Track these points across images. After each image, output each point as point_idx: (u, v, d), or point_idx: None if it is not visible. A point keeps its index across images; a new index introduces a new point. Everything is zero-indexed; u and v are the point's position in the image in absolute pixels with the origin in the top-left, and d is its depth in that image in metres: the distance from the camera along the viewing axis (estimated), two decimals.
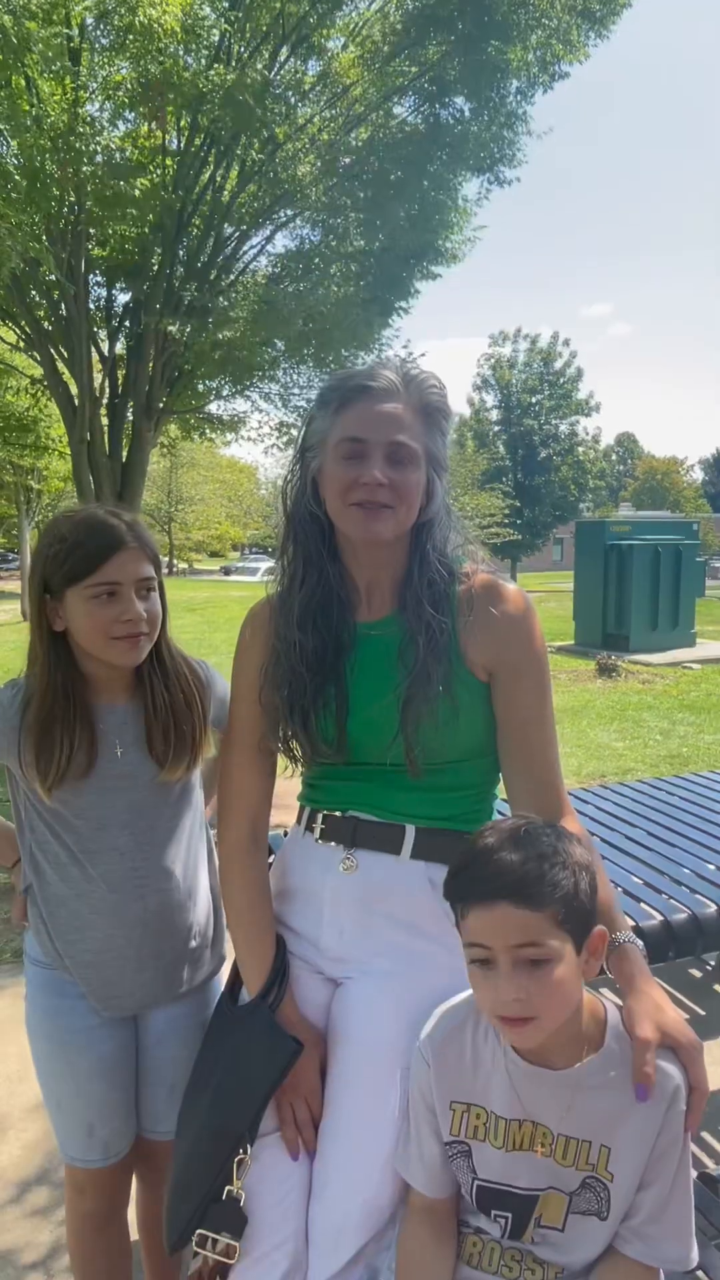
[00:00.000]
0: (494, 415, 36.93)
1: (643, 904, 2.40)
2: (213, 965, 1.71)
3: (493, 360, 36.96)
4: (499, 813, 1.49)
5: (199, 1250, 1.33)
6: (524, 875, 1.08)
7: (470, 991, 1.30)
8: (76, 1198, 1.68)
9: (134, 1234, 1.81)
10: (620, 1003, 1.24)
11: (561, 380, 36.15)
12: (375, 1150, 1.33)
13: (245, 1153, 1.34)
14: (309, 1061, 1.41)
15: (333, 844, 1.49)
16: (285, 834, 1.72)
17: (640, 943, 1.31)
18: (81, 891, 1.55)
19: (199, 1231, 1.33)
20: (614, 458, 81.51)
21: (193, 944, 1.64)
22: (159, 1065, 1.65)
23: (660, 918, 2.30)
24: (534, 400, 36.02)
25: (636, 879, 2.58)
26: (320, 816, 1.52)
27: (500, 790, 1.56)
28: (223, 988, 1.64)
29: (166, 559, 42.66)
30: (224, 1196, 1.32)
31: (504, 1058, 1.21)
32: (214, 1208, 1.32)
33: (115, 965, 1.56)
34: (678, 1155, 1.15)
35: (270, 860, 1.63)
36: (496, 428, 36.60)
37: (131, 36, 5.60)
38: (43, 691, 1.50)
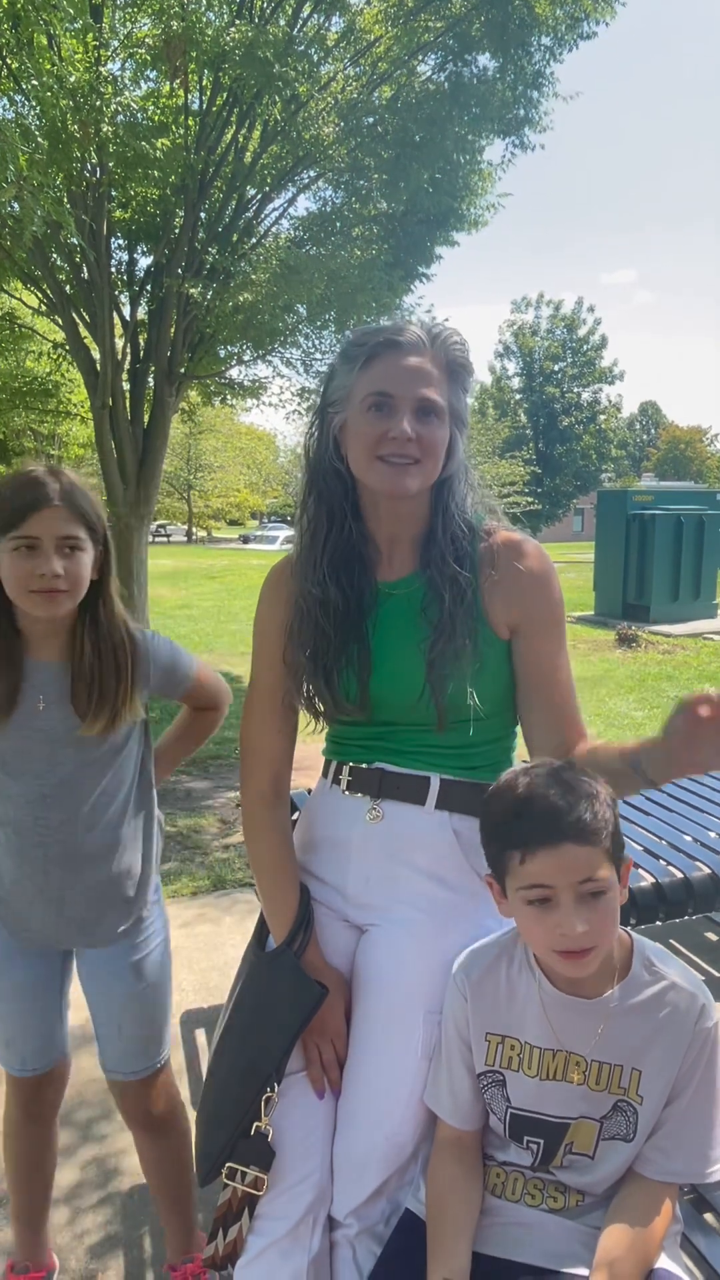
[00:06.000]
0: (515, 383, 36.53)
1: (662, 861, 2.43)
2: (132, 921, 1.74)
3: (515, 327, 36.49)
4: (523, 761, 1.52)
5: (228, 1182, 1.38)
6: (581, 815, 1.14)
7: (501, 932, 1.35)
8: (7, 1095, 1.85)
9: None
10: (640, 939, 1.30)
11: (585, 348, 35.66)
12: (398, 1089, 1.37)
13: (273, 1091, 1.38)
14: (334, 1005, 1.45)
15: (359, 795, 1.52)
16: (309, 793, 1.75)
17: None
18: None
19: (228, 1164, 1.38)
20: (637, 427, 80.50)
21: (107, 898, 1.68)
22: (101, 1004, 1.74)
23: (679, 875, 2.33)
24: (556, 368, 35.59)
25: (656, 838, 2.61)
26: (347, 769, 1.55)
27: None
28: (164, 936, 1.79)
29: (185, 526, 42.58)
30: (252, 1132, 1.37)
31: (538, 990, 1.26)
32: (243, 1142, 1.37)
33: (23, 902, 1.67)
34: (700, 1073, 1.20)
35: (294, 816, 1.66)
36: (518, 395, 36.20)
37: None
38: None
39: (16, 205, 5.19)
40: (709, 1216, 1.41)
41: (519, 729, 1.58)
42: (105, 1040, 1.75)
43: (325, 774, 1.64)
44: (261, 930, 1.57)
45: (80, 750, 1.62)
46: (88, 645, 1.61)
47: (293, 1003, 1.41)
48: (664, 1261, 1.21)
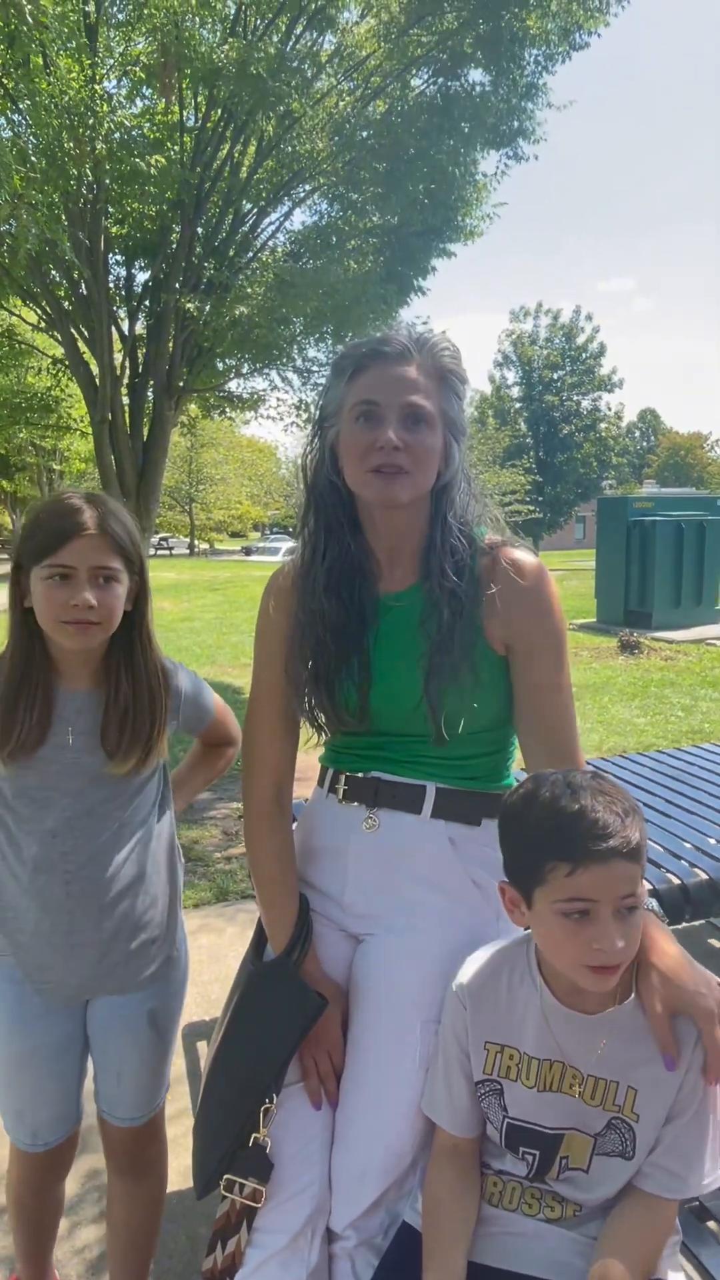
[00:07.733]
0: (515, 392, 36.56)
1: (661, 868, 2.42)
2: (160, 964, 1.66)
3: (514, 336, 36.56)
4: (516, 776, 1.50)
5: (226, 1194, 1.38)
6: (631, 833, 1.12)
7: (501, 940, 1.34)
8: (12, 1166, 1.75)
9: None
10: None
11: (584, 356, 35.70)
12: (396, 1100, 1.36)
13: (271, 1102, 1.38)
14: (331, 1016, 1.45)
15: (355, 804, 1.53)
16: (305, 802, 1.75)
17: (654, 902, 1.34)
18: (16, 873, 1.56)
19: (226, 1176, 1.37)
20: (637, 434, 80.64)
21: (134, 939, 1.61)
22: (105, 1051, 1.65)
23: (678, 881, 2.32)
24: (556, 376, 35.61)
25: (655, 844, 2.60)
26: (343, 778, 1.55)
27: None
28: (185, 979, 1.72)
29: (187, 539, 42.66)
30: (250, 1143, 1.37)
31: (539, 1001, 1.25)
32: (241, 1154, 1.37)
33: (44, 949, 1.57)
34: (701, 1092, 1.18)
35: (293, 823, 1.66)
36: (518, 404, 36.24)
37: (149, 9, 5.58)
38: (10, 665, 1.53)
39: (13, 224, 5.23)
40: (711, 1225, 1.40)
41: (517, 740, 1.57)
42: (103, 1083, 1.67)
43: (321, 783, 1.64)
44: (259, 939, 1.57)
45: (109, 783, 1.57)
46: (122, 681, 1.56)
47: (292, 1013, 1.41)
48: (663, 1272, 1.20)
